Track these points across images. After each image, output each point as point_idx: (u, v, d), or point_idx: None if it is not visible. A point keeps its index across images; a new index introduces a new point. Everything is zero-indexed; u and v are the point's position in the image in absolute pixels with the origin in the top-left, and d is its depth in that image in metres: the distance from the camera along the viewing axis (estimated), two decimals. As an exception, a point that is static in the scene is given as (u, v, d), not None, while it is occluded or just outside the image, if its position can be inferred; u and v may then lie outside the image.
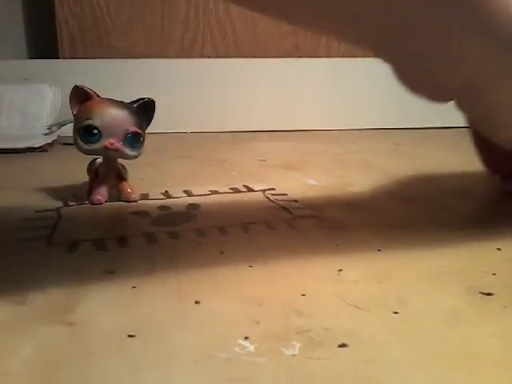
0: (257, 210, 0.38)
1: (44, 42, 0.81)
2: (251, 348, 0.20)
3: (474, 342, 0.21)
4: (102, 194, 0.39)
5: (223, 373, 0.19)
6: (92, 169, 0.40)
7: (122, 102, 0.36)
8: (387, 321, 0.23)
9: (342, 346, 0.21)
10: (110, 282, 0.26)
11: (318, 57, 0.81)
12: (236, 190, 0.42)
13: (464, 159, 0.57)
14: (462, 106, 0.23)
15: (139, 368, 0.19)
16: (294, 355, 0.20)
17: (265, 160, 0.54)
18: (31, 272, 0.27)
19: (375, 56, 0.21)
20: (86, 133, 0.36)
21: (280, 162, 0.53)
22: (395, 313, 0.23)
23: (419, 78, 0.21)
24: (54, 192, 0.42)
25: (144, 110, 0.37)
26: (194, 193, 0.41)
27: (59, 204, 0.39)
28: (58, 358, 0.20)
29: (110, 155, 0.37)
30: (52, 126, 0.67)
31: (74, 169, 0.45)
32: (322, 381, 0.19)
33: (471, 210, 0.39)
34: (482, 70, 0.20)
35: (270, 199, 0.40)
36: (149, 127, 0.38)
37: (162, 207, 0.39)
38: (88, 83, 0.36)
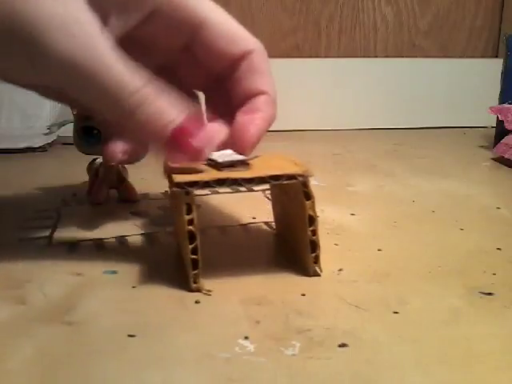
0: (257, 210, 0.38)
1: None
2: (251, 348, 0.20)
3: (474, 342, 0.21)
4: (102, 193, 0.39)
5: (223, 373, 0.19)
6: (92, 169, 0.40)
7: (122, 102, 0.36)
8: (387, 321, 0.23)
9: (342, 345, 0.21)
10: (110, 281, 0.26)
11: (317, 57, 0.81)
12: (236, 190, 0.42)
13: (464, 159, 0.57)
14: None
15: (139, 368, 0.19)
16: (293, 355, 0.20)
17: (265, 160, 0.54)
18: (31, 272, 0.27)
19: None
20: (86, 133, 0.36)
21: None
22: (395, 313, 0.23)
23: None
24: (54, 192, 0.42)
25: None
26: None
27: (59, 204, 0.39)
28: (58, 358, 0.20)
29: (110, 155, 0.37)
30: (52, 125, 0.67)
31: (74, 169, 0.45)
32: (322, 381, 0.19)
33: (470, 210, 0.39)
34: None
35: (270, 199, 0.40)
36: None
37: (162, 207, 0.39)
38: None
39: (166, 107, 0.25)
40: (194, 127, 0.25)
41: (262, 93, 0.28)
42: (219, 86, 0.30)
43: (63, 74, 0.24)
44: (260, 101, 0.28)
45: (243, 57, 0.28)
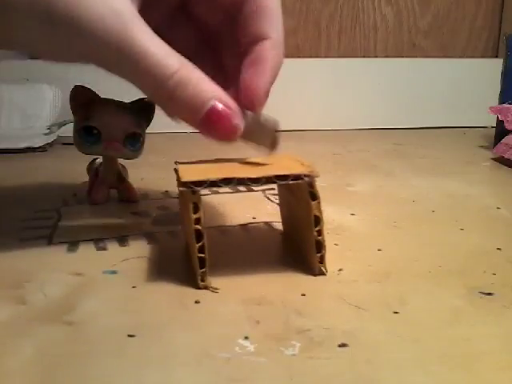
0: (257, 210, 0.38)
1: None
2: (251, 348, 0.20)
3: (474, 342, 0.21)
4: (102, 194, 0.39)
5: (223, 373, 0.19)
6: (92, 169, 0.40)
7: (121, 102, 0.36)
8: (387, 321, 0.23)
9: (342, 345, 0.21)
10: (110, 282, 0.26)
11: (317, 57, 0.81)
12: (236, 190, 0.42)
13: (464, 159, 0.57)
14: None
15: (139, 368, 0.19)
16: (293, 355, 0.20)
17: (265, 160, 0.54)
18: (31, 272, 0.27)
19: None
20: (86, 133, 0.36)
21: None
22: (395, 313, 0.23)
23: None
24: (54, 192, 0.42)
25: (144, 110, 0.37)
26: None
27: (59, 204, 0.39)
28: (58, 358, 0.20)
29: (110, 155, 0.37)
30: (52, 125, 0.67)
31: (74, 169, 0.45)
32: (321, 381, 0.19)
33: (470, 210, 0.39)
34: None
35: (270, 199, 0.40)
36: (149, 127, 0.38)
37: (162, 207, 0.39)
38: (88, 83, 0.36)
39: (202, 87, 0.25)
40: (229, 105, 0.26)
41: (266, 37, 0.28)
42: (233, 25, 0.30)
43: (100, 57, 0.25)
44: (265, 48, 0.28)
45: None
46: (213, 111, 0.25)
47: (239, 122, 0.26)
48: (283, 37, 0.29)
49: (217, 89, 0.26)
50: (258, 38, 0.28)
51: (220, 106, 0.25)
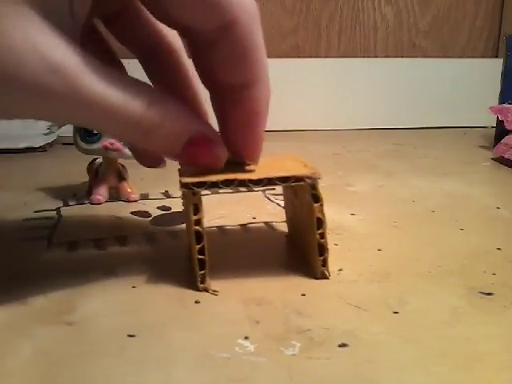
0: (257, 210, 0.38)
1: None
2: (251, 348, 0.20)
3: (474, 342, 0.21)
4: (101, 194, 0.39)
5: (223, 373, 0.19)
6: (92, 169, 0.40)
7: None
8: (387, 321, 0.23)
9: (342, 345, 0.21)
10: (110, 282, 0.26)
11: (317, 57, 0.81)
12: (236, 190, 0.42)
13: (464, 159, 0.57)
14: None
15: (139, 368, 0.19)
16: (293, 355, 0.20)
17: (265, 160, 0.54)
18: (31, 272, 0.27)
19: None
20: (86, 133, 0.36)
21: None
22: (395, 313, 0.23)
23: None
24: (54, 192, 0.42)
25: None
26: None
27: (59, 204, 0.39)
28: (58, 358, 0.20)
29: (110, 155, 0.37)
30: (52, 125, 0.67)
31: (74, 169, 0.45)
32: (321, 381, 0.19)
33: (470, 210, 0.39)
34: None
35: (270, 199, 0.40)
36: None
37: (162, 207, 0.39)
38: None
39: (175, 124, 0.23)
40: (209, 136, 0.24)
41: (251, 83, 0.24)
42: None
43: (49, 115, 0.22)
44: (253, 98, 0.24)
45: (223, 31, 0.22)
46: (193, 144, 0.23)
47: (221, 151, 0.24)
48: (267, 70, 0.24)
49: (193, 121, 0.23)
50: (242, 86, 0.24)
51: (198, 137, 0.23)
